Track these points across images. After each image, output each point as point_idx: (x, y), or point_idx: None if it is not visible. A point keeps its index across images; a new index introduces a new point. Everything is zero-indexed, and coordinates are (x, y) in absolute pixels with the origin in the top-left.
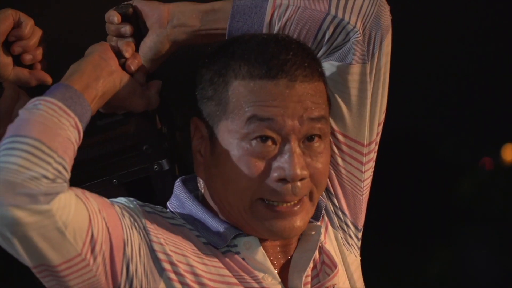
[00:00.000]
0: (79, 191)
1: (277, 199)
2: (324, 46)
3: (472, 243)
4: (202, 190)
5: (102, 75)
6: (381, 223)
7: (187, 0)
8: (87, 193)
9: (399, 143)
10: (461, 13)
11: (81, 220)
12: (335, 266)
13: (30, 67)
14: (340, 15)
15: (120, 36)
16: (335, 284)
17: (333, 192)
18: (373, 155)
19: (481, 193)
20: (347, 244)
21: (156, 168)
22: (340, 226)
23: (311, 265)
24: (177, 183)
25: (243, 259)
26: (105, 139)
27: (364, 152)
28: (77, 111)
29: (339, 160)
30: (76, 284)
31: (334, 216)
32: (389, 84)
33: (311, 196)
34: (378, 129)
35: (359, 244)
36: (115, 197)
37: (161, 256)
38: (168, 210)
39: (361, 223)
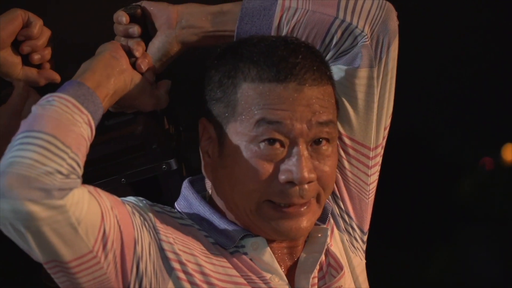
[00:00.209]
0: (91, 188)
1: (284, 201)
2: (331, 50)
3: (472, 243)
4: (210, 191)
5: (113, 73)
6: (381, 223)
7: (196, 1)
8: (99, 190)
9: (399, 143)
10: (460, 13)
11: (94, 217)
12: (341, 268)
13: (39, 66)
14: (348, 19)
15: (128, 36)
16: (341, 286)
17: (339, 195)
18: (379, 159)
19: (481, 193)
20: (353, 247)
21: (164, 167)
22: (346, 229)
23: (317, 267)
24: (185, 184)
25: (250, 259)
26: (113, 138)
27: (371, 156)
28: (90, 108)
29: (346, 164)
30: (86, 282)
31: (340, 219)
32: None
33: (318, 198)
34: (384, 133)
35: (364, 247)
36: (123, 196)
37: (170, 255)
38: (176, 210)
39: (366, 226)
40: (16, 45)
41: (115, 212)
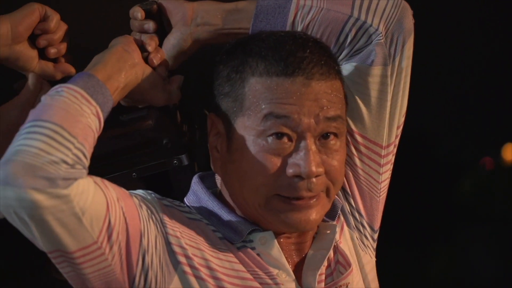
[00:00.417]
0: (98, 179)
1: (292, 195)
2: (346, 48)
3: (472, 243)
4: (220, 187)
5: (124, 67)
6: (381, 222)
7: None
8: (107, 182)
9: (399, 143)
10: (461, 13)
11: (99, 208)
12: (349, 266)
13: (55, 60)
14: (362, 17)
15: (144, 32)
16: (349, 283)
17: (350, 193)
18: (392, 157)
19: (482, 193)
20: (363, 245)
21: (175, 162)
22: (356, 226)
23: (325, 263)
24: (195, 179)
25: (258, 254)
26: (125, 133)
27: (382, 154)
28: (99, 100)
29: (357, 161)
30: (91, 273)
31: (350, 216)
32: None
33: (328, 192)
34: (397, 132)
35: (374, 245)
36: (134, 190)
37: (176, 249)
38: (185, 205)
39: (377, 224)
40: (32, 39)
41: (121, 204)
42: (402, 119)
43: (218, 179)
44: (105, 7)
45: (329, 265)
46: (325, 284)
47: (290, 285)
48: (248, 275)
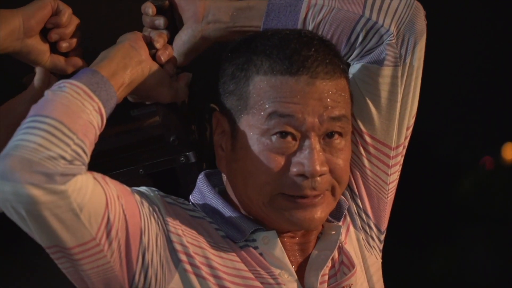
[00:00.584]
0: (99, 176)
1: (296, 193)
2: (357, 48)
3: (472, 243)
4: (225, 185)
5: (130, 64)
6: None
7: None
8: (108, 178)
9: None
10: (459, 13)
11: (98, 204)
12: (353, 266)
13: (66, 54)
14: (374, 18)
15: (154, 28)
16: (352, 284)
17: (357, 193)
18: (400, 159)
19: (482, 192)
20: (368, 246)
21: (182, 160)
22: (363, 227)
23: (329, 264)
24: (200, 177)
25: (260, 254)
26: (132, 129)
27: (391, 155)
28: (102, 96)
29: (366, 162)
30: (89, 269)
31: (357, 217)
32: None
33: (333, 191)
34: (406, 133)
35: (381, 246)
36: (140, 186)
37: (178, 247)
38: (189, 202)
39: (384, 225)
40: (44, 33)
41: (121, 201)
42: (412, 120)
43: (224, 177)
44: (117, 3)
45: (333, 266)
46: (328, 285)
47: (292, 285)
48: (250, 275)
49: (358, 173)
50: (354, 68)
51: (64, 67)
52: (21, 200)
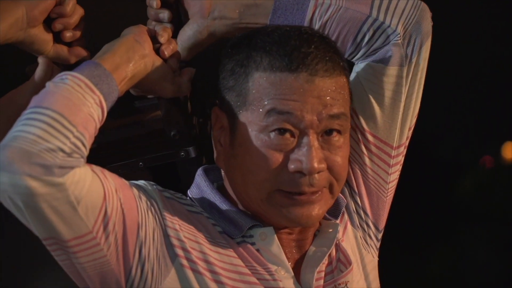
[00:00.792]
0: (97, 169)
1: (294, 190)
2: (363, 48)
3: (472, 243)
4: (223, 180)
5: (134, 57)
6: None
7: None
8: (106, 172)
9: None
10: (461, 13)
11: (95, 197)
12: (350, 264)
13: (69, 44)
14: (381, 18)
15: (159, 21)
16: (348, 281)
17: (357, 191)
18: (401, 159)
19: (482, 191)
20: (366, 244)
21: (182, 154)
22: (360, 225)
23: (325, 261)
24: (199, 172)
25: (257, 250)
26: (133, 122)
27: (393, 155)
28: (103, 90)
29: (367, 160)
30: (86, 262)
31: (355, 215)
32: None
33: (331, 188)
34: (408, 133)
35: (378, 245)
36: (140, 179)
37: (175, 242)
38: (188, 197)
39: (382, 224)
40: (48, 22)
41: (119, 195)
42: (414, 121)
43: (223, 172)
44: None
45: (330, 263)
46: (324, 282)
47: (289, 281)
48: (246, 270)
49: (358, 171)
50: (358, 67)
51: (67, 57)
52: (18, 192)
